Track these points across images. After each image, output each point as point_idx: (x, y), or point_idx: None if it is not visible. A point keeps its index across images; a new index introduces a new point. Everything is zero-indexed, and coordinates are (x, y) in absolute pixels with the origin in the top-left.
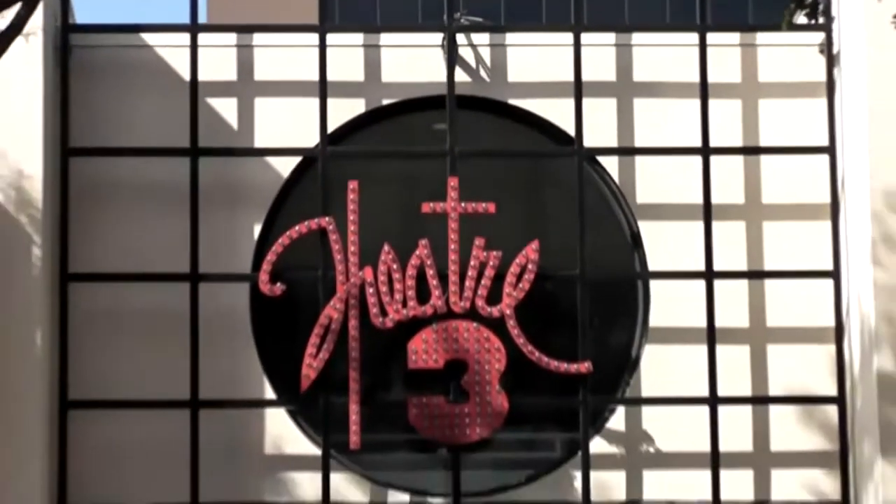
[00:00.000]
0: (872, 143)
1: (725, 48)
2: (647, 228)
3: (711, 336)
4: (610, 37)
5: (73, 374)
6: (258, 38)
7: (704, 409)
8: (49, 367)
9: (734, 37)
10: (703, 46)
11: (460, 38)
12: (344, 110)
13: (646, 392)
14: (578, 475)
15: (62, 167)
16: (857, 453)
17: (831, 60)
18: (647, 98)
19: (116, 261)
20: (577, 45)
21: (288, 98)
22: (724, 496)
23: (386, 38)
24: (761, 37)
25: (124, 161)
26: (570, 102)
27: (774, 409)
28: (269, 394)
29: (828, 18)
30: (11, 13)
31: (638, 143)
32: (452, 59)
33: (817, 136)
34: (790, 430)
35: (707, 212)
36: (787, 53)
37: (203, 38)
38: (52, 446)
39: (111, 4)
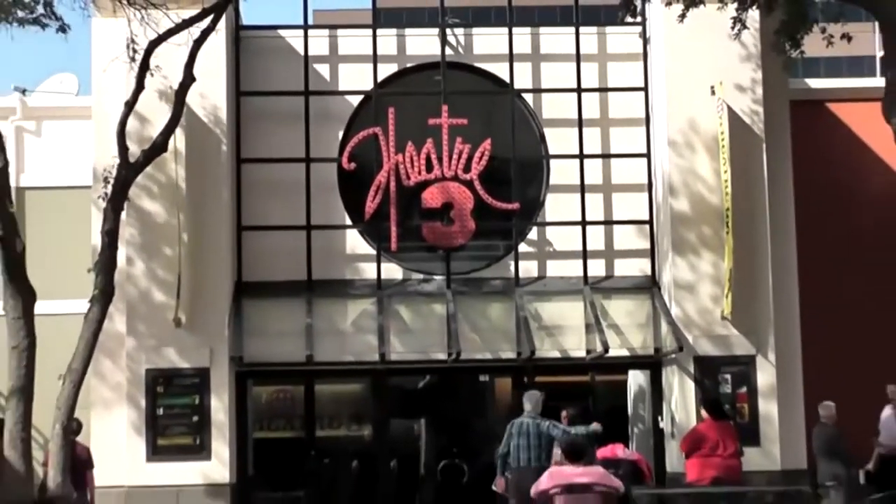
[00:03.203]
0: (668, 86)
1: (589, 35)
2: (548, 132)
3: (583, 188)
4: (527, 29)
5: (244, 212)
6: (340, 31)
7: (579, 227)
8: (231, 210)
9: (594, 29)
10: (577, 35)
11: (448, 31)
12: (385, 70)
13: (549, 218)
14: (512, 263)
15: (237, 102)
16: (659, 249)
17: (645, 41)
18: (549, 63)
19: (266, 151)
20: (510, 35)
21: (355, 63)
22: (589, 273)
23: (408, 31)
24: (608, 28)
25: (270, 98)
26: (506, 64)
27: (617, 228)
28: (348, 221)
29: (643, 18)
30: (207, 20)
31: (544, 86)
32: (444, 41)
33: (637, 81)
34: (626, 238)
35: (580, 123)
36: (621, 37)
37: (311, 32)
38: (234, 253)
39: (260, 10)
